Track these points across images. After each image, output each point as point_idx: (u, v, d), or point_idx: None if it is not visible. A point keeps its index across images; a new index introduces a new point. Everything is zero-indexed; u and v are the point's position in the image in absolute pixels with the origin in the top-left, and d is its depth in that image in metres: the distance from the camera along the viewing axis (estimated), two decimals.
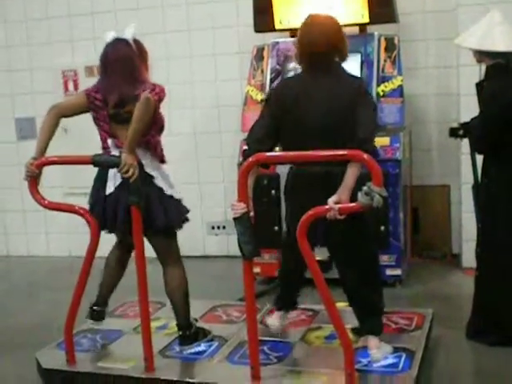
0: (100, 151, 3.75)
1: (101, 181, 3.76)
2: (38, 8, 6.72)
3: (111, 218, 3.70)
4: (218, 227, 6.53)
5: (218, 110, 6.35)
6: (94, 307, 4.11)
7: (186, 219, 3.89)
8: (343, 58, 3.55)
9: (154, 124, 3.69)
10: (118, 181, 3.65)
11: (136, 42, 3.81)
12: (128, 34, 3.79)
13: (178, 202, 3.84)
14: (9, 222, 7.16)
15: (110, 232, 3.85)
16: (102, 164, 3.60)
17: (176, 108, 6.47)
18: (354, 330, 3.66)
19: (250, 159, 3.21)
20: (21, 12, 6.79)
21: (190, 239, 6.53)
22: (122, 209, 3.63)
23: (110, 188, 3.71)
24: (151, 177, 3.70)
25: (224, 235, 6.47)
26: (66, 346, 3.84)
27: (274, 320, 4.02)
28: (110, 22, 6.35)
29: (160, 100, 3.66)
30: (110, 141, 3.74)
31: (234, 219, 3.23)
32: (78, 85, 6.47)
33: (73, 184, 6.41)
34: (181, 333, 3.97)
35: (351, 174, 3.23)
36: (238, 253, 3.26)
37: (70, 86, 6.52)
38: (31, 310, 5.32)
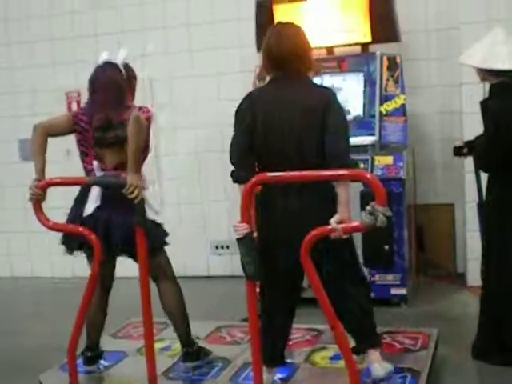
0: None
1: (81, 201, 3.77)
2: (41, 30, 6.76)
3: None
4: (222, 247, 6.51)
5: (220, 129, 6.35)
6: (88, 353, 4.05)
7: (165, 243, 3.92)
8: (309, 68, 3.50)
9: (144, 147, 3.69)
10: (99, 203, 3.68)
11: (126, 67, 3.85)
12: (119, 59, 3.83)
13: (158, 226, 3.88)
14: (13, 243, 7.16)
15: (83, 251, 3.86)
16: (106, 185, 3.60)
17: (179, 127, 6.49)
18: (353, 349, 3.60)
19: (253, 179, 3.19)
20: (23, 33, 6.83)
21: (193, 259, 6.54)
22: (101, 231, 3.64)
23: (89, 209, 3.72)
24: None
25: (228, 255, 6.45)
26: (69, 368, 3.81)
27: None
28: (114, 43, 6.37)
29: (148, 118, 3.67)
30: (95, 163, 3.76)
31: (237, 240, 3.21)
32: (82, 105, 6.49)
33: None
34: (184, 350, 3.99)
35: (344, 191, 3.21)
36: (242, 273, 3.25)
37: (74, 106, 6.54)
38: (35, 331, 5.29)
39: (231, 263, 6.32)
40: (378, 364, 3.55)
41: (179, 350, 4.05)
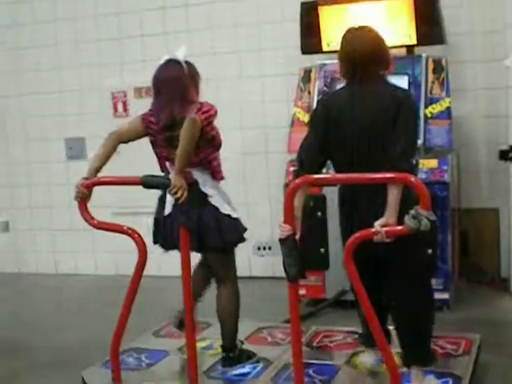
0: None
1: (162, 201, 3.83)
2: (88, 30, 6.85)
3: (170, 237, 3.78)
4: (264, 248, 6.52)
5: (265, 131, 6.37)
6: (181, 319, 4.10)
7: (243, 239, 3.94)
8: (387, 68, 3.58)
9: (211, 141, 3.75)
10: (173, 200, 3.71)
11: (188, 63, 3.86)
12: (179, 56, 3.85)
13: (235, 220, 3.88)
14: (58, 241, 7.27)
15: (172, 249, 3.91)
16: (151, 185, 3.64)
17: (223, 129, 6.47)
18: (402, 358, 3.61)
19: (297, 181, 3.22)
20: (71, 34, 6.92)
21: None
22: (178, 228, 3.67)
23: (168, 209, 3.79)
24: (206, 195, 3.76)
25: (270, 256, 6.46)
26: (111, 365, 3.86)
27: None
28: (160, 44, 6.44)
29: (209, 117, 3.69)
30: (168, 164, 3.80)
31: (280, 241, 3.23)
32: (127, 106, 6.57)
33: (121, 204, 6.49)
34: (224, 354, 3.98)
35: (394, 195, 3.21)
36: (284, 274, 3.26)
37: (120, 107, 6.62)
38: (78, 327, 5.37)
39: (273, 264, 6.34)
40: None
41: (220, 350, 4.07)
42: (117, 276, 6.76)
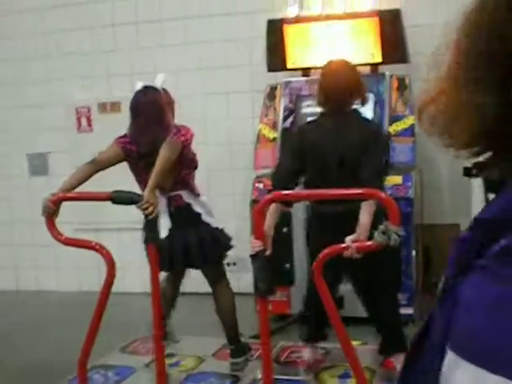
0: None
1: (151, 226, 3.84)
2: (53, 45, 6.81)
3: (177, 257, 3.96)
4: (229, 264, 6.49)
5: (230, 148, 6.39)
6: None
7: (231, 246, 4.22)
8: (364, 103, 3.82)
9: (189, 163, 3.85)
10: (170, 225, 3.86)
11: (164, 90, 3.96)
12: (158, 83, 3.94)
13: (222, 231, 4.14)
14: (19, 257, 7.18)
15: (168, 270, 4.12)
16: (120, 201, 3.64)
17: None
18: (380, 350, 4.02)
19: (267, 197, 3.25)
20: (35, 48, 6.87)
21: (201, 276, 6.52)
22: (180, 247, 3.88)
23: (164, 232, 3.87)
24: (199, 214, 3.95)
25: (235, 272, 6.44)
26: (78, 383, 3.82)
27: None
28: (125, 60, 6.43)
29: (186, 141, 3.82)
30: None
31: (251, 256, 3.24)
32: (91, 121, 6.52)
33: (83, 220, 6.43)
34: (233, 347, 4.15)
35: (366, 212, 3.30)
36: (249, 290, 3.27)
37: (84, 122, 6.58)
38: (41, 345, 5.29)
39: (238, 281, 6.32)
40: None
41: (188, 367, 4.08)
42: (80, 292, 6.69)
